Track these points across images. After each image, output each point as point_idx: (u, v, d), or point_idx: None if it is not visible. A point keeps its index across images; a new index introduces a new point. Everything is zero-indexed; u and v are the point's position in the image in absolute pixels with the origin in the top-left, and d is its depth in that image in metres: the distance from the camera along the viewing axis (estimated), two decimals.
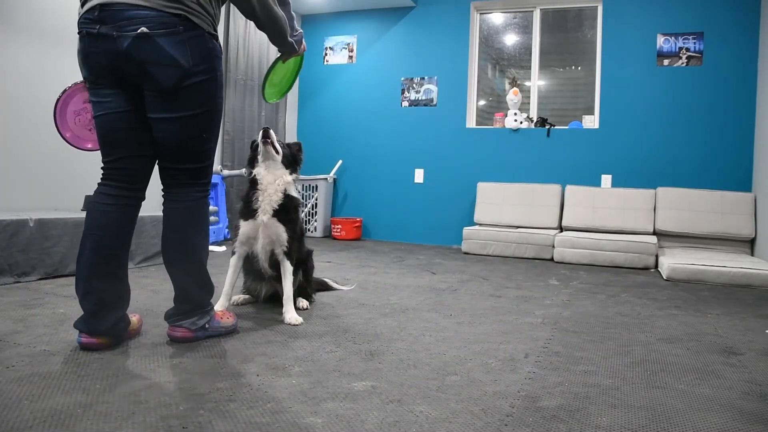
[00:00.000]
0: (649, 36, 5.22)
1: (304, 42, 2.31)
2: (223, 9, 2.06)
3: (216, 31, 1.91)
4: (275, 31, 2.06)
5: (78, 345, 1.85)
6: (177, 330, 1.96)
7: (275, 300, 2.56)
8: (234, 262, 2.42)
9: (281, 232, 2.34)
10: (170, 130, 1.87)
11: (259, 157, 2.37)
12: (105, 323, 1.84)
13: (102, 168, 1.91)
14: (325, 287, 3.00)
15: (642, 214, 4.98)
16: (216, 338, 2.02)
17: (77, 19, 1.85)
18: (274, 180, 2.35)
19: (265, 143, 2.34)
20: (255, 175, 2.38)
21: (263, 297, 2.64)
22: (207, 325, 2.01)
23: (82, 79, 2.01)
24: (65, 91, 2.12)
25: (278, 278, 2.43)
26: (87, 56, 1.83)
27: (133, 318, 2.03)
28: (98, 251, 1.83)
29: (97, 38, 1.78)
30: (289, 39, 2.15)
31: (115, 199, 1.88)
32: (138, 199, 1.95)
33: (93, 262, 1.83)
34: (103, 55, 1.79)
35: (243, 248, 2.41)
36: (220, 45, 1.92)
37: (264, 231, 2.34)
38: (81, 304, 1.84)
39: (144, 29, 1.74)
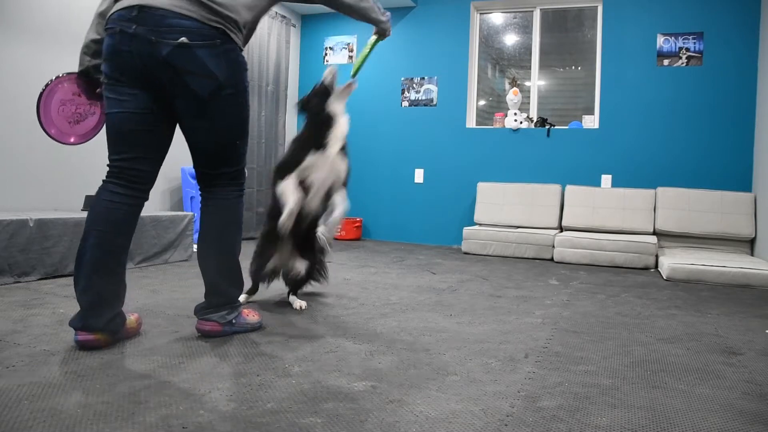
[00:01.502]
0: (649, 36, 5.22)
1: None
2: None
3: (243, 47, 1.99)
4: (368, 17, 2.22)
5: (75, 344, 1.84)
6: (206, 324, 2.01)
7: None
8: (292, 183, 2.37)
9: (344, 168, 2.43)
10: (205, 137, 1.94)
11: (334, 94, 2.45)
12: (102, 319, 1.84)
13: (109, 165, 1.91)
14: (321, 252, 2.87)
15: (642, 214, 4.98)
16: (216, 339, 2.02)
17: (109, 13, 1.85)
18: (343, 117, 2.45)
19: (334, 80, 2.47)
20: (329, 111, 2.43)
21: (269, 277, 2.60)
22: (234, 321, 2.06)
23: (74, 71, 2.03)
24: (48, 84, 2.10)
25: (300, 246, 2.49)
26: (115, 54, 1.82)
27: (132, 317, 2.03)
28: (101, 247, 1.84)
29: (131, 38, 1.78)
30: (382, 18, 2.27)
31: (121, 197, 1.89)
32: (143, 198, 1.97)
33: (95, 259, 1.83)
34: (135, 56, 1.79)
35: (300, 176, 2.38)
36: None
37: (331, 164, 2.39)
38: (79, 299, 1.84)
39: (184, 39, 1.77)
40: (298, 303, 2.57)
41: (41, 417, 1.30)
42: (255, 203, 5.71)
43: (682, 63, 5.12)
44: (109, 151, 1.92)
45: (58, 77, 2.11)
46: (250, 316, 2.16)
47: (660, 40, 5.18)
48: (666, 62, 5.17)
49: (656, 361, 1.96)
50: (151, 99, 1.87)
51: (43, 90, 2.10)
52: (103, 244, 1.85)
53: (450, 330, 2.28)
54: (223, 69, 1.84)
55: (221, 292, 2.03)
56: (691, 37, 5.09)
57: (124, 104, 1.86)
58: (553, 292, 3.27)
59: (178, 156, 4.93)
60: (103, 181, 1.91)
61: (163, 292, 2.80)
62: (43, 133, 2.15)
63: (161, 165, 1.99)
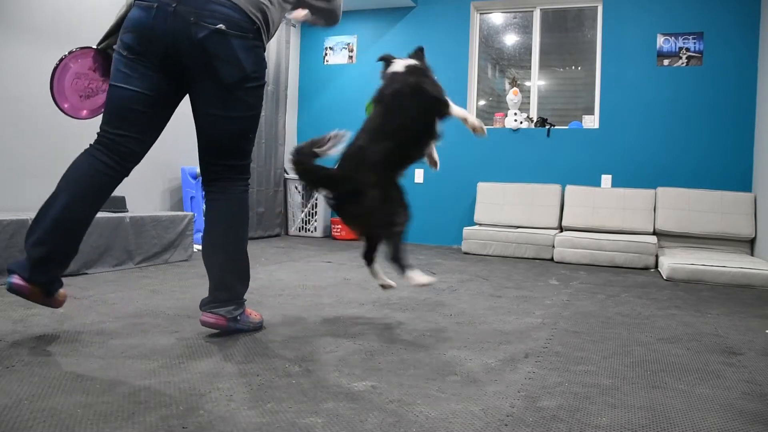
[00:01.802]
0: (649, 36, 5.22)
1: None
2: None
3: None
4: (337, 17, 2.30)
5: (7, 286, 1.81)
6: (212, 316, 1.99)
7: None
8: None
9: None
10: (221, 126, 1.94)
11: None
12: (45, 276, 1.84)
13: (100, 134, 1.91)
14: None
15: (642, 214, 4.98)
16: (216, 338, 2.02)
17: None
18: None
19: None
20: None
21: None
22: (239, 318, 2.05)
23: (89, 46, 2.01)
24: (62, 59, 2.06)
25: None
26: (146, 28, 1.80)
27: (61, 290, 1.97)
28: (70, 209, 1.83)
29: (169, 15, 1.78)
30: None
31: (105, 167, 1.89)
32: (125, 174, 1.97)
33: (61, 219, 1.82)
34: (168, 34, 1.79)
35: None
36: None
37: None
38: (30, 251, 1.81)
39: (222, 26, 1.79)
40: (424, 277, 2.16)
41: (41, 417, 1.30)
42: (255, 203, 5.71)
43: (682, 63, 5.12)
44: (103, 120, 1.91)
45: (71, 52, 2.08)
46: (253, 315, 2.15)
47: (660, 40, 5.18)
48: (666, 62, 5.17)
49: (656, 361, 1.96)
50: (165, 81, 1.88)
51: (57, 65, 2.07)
52: (73, 207, 1.85)
53: (450, 330, 2.28)
54: (251, 62, 1.88)
55: (230, 286, 2.02)
56: (691, 37, 5.09)
57: (135, 82, 1.85)
58: (553, 292, 3.27)
59: (178, 156, 4.95)
60: (90, 145, 1.91)
61: (163, 292, 2.80)
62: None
63: (150, 146, 2.00)
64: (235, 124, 1.95)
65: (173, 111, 2.01)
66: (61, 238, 1.85)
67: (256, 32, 1.89)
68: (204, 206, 2.07)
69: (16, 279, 1.81)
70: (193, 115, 1.97)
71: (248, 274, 2.09)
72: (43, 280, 1.84)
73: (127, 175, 1.98)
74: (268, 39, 2.02)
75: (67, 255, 1.91)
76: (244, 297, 2.09)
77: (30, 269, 1.81)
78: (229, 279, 2.02)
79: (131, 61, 1.84)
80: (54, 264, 1.87)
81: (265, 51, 1.98)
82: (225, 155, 2.00)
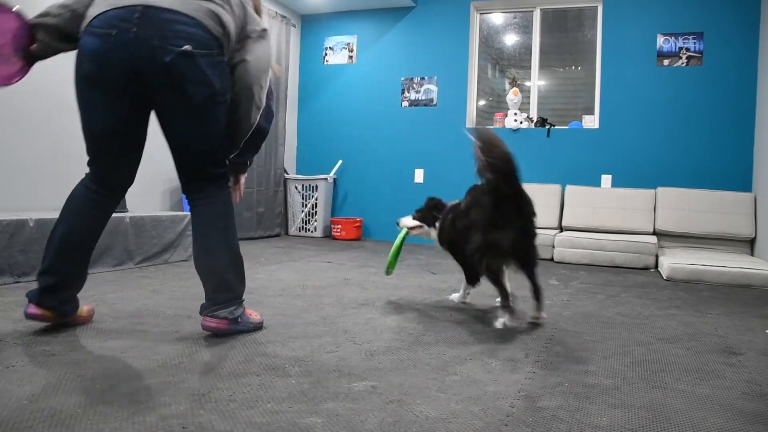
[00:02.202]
0: (649, 36, 5.22)
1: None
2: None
3: None
4: (248, 129, 2.03)
5: (24, 315, 1.95)
6: (213, 320, 1.98)
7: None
8: None
9: None
10: (196, 143, 1.94)
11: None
12: (56, 300, 1.94)
13: (88, 164, 1.98)
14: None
15: (642, 214, 4.98)
16: (216, 338, 2.02)
17: (96, 13, 1.76)
18: None
19: None
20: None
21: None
22: (240, 319, 2.04)
23: (21, 11, 1.87)
24: None
25: None
26: (101, 57, 1.76)
27: (85, 307, 2.09)
28: (69, 237, 1.94)
29: (128, 42, 1.72)
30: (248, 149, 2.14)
31: (97, 196, 1.98)
32: (115, 199, 2.03)
33: (61, 247, 1.93)
34: (128, 61, 1.74)
35: None
36: None
37: None
38: (38, 279, 1.94)
39: (189, 47, 1.76)
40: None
41: (41, 417, 1.30)
42: (255, 203, 5.71)
43: (682, 63, 5.12)
44: (87, 153, 1.96)
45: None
46: (253, 315, 2.15)
47: (660, 40, 5.18)
48: (666, 62, 5.17)
49: (656, 361, 1.96)
50: (129, 106, 1.86)
51: None
52: (71, 234, 1.94)
53: (450, 330, 2.28)
54: (218, 78, 1.85)
55: (229, 287, 2.00)
56: (691, 37, 5.09)
57: (100, 113, 1.86)
58: (553, 292, 3.27)
59: None
60: (86, 174, 1.98)
61: (163, 292, 2.80)
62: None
63: (139, 163, 2.03)
64: (207, 138, 1.94)
65: (146, 126, 2.00)
66: (64, 264, 1.95)
67: (220, 48, 1.86)
68: (191, 216, 2.05)
69: (30, 308, 1.94)
70: (163, 132, 1.94)
71: (244, 274, 2.08)
72: (54, 304, 1.95)
73: (121, 197, 2.05)
74: (227, 54, 1.96)
75: (74, 280, 2.00)
76: (243, 297, 2.09)
77: (40, 296, 1.93)
78: (229, 279, 2.01)
79: (92, 92, 1.83)
80: (62, 289, 1.96)
81: (226, 64, 1.93)
82: (202, 167, 1.99)
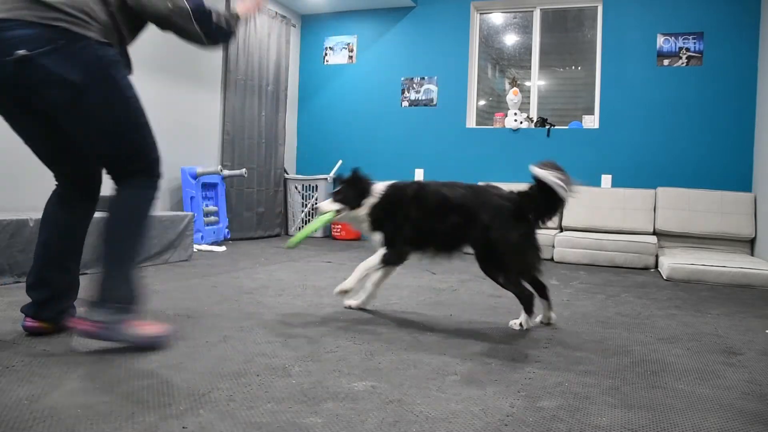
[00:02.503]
0: (649, 36, 5.22)
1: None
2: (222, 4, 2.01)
3: (113, 40, 1.75)
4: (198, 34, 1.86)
5: (23, 329, 1.93)
6: (80, 322, 1.78)
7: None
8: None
9: None
10: (93, 143, 1.79)
11: None
12: (51, 311, 1.93)
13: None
14: None
15: (642, 214, 4.98)
16: (216, 339, 2.02)
17: None
18: None
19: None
20: None
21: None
22: (117, 326, 1.78)
23: None
24: None
25: None
26: None
27: (84, 309, 1.94)
28: (50, 248, 1.92)
29: None
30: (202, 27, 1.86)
31: (66, 203, 1.95)
32: (88, 202, 1.99)
33: (45, 258, 1.92)
34: None
35: None
36: (117, 50, 1.78)
37: None
38: (28, 293, 1.92)
39: (23, 52, 1.57)
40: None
41: (41, 417, 1.30)
42: (255, 203, 5.71)
43: (682, 63, 5.12)
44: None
45: None
46: (147, 327, 1.86)
47: (660, 40, 5.18)
48: (666, 62, 5.17)
49: (656, 361, 1.96)
50: (27, 120, 1.78)
51: None
52: (51, 245, 1.92)
53: (450, 330, 2.28)
54: (77, 71, 1.63)
55: (113, 285, 1.83)
56: (691, 37, 5.09)
57: (17, 130, 1.82)
58: (553, 292, 3.26)
59: (178, 156, 4.95)
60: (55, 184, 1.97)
61: (163, 292, 2.80)
62: None
63: (87, 165, 1.92)
64: (106, 137, 1.77)
65: (57, 130, 1.80)
66: (52, 275, 1.92)
67: (67, 33, 1.61)
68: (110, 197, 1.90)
69: (27, 321, 1.93)
70: (68, 144, 1.84)
71: (136, 279, 1.85)
72: (49, 315, 1.93)
73: (96, 198, 1.99)
74: (106, 33, 1.71)
75: (66, 289, 1.97)
76: (134, 305, 1.84)
77: (34, 309, 1.93)
78: (114, 275, 1.84)
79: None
80: (57, 301, 1.94)
81: (101, 46, 1.68)
82: (120, 162, 1.82)
